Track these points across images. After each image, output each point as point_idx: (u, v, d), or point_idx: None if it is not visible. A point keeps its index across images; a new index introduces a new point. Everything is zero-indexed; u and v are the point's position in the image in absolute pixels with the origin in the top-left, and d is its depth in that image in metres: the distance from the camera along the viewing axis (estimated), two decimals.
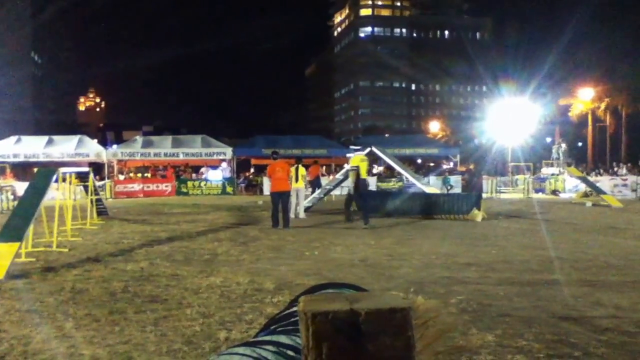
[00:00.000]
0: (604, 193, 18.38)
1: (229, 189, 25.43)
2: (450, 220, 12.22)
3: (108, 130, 59.77)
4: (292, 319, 1.41)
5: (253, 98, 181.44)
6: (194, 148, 26.86)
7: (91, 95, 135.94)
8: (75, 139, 26.19)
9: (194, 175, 28.09)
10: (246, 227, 11.00)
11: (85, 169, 13.88)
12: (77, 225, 10.56)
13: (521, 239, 9.04)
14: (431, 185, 18.39)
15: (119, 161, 27.00)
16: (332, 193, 16.88)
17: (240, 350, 1.32)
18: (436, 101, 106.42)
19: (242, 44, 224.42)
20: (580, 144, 45.23)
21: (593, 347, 3.45)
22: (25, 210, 7.29)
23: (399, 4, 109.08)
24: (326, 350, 0.97)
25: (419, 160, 37.97)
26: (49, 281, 5.71)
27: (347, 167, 12.85)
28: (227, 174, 26.33)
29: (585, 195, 20.84)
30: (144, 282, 5.56)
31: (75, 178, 11.50)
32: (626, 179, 23.47)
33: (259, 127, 74.91)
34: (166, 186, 25.27)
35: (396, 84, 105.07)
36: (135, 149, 26.63)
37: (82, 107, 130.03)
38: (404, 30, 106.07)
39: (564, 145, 30.93)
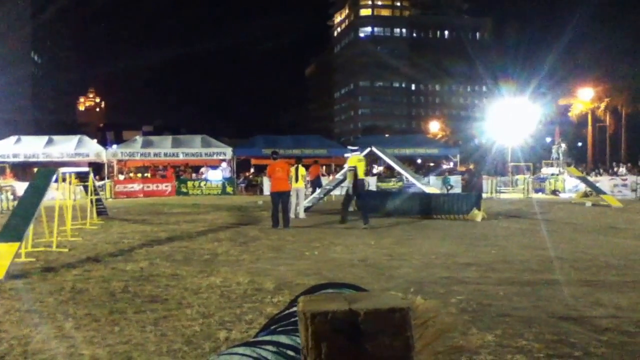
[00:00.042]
0: (604, 193, 18.38)
1: (229, 189, 25.41)
2: (450, 220, 12.22)
3: (108, 130, 59.58)
4: (292, 319, 1.41)
5: (253, 98, 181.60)
6: (194, 148, 26.85)
7: (91, 95, 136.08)
8: (75, 139, 26.18)
9: (194, 175, 28.08)
10: (246, 227, 11.00)
11: (85, 169, 13.89)
12: (77, 225, 10.56)
13: (521, 239, 9.04)
14: (431, 185, 18.40)
15: (119, 161, 26.99)
16: (332, 193, 16.89)
17: (240, 350, 1.32)
18: (436, 101, 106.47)
19: (242, 44, 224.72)
20: (580, 144, 45.26)
21: (593, 347, 3.45)
22: (25, 210, 7.29)
23: (399, 4, 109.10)
24: (325, 350, 0.97)
25: (419, 160, 37.98)
26: (48, 281, 5.71)
27: (346, 167, 12.87)
28: (227, 174, 26.31)
29: (585, 195, 20.84)
30: (144, 282, 5.56)
31: (75, 178, 11.51)
32: (626, 179, 23.45)
33: (259, 127, 75.18)
34: (166, 186, 25.26)
35: (396, 84, 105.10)
36: (135, 149, 26.62)
37: (82, 107, 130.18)
38: (404, 30, 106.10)
39: (563, 145, 30.92)
